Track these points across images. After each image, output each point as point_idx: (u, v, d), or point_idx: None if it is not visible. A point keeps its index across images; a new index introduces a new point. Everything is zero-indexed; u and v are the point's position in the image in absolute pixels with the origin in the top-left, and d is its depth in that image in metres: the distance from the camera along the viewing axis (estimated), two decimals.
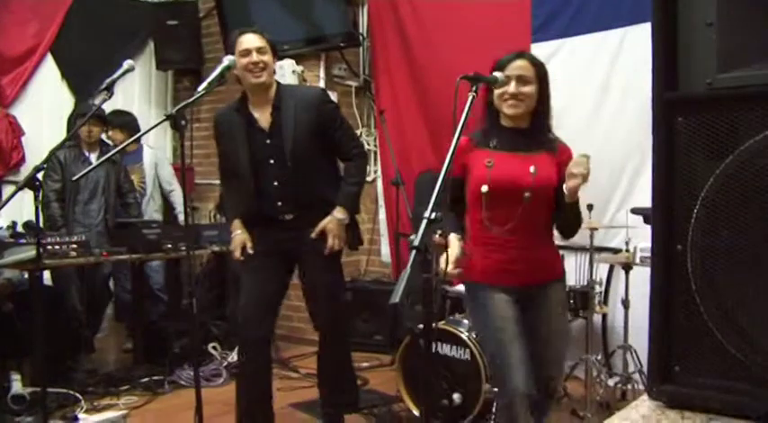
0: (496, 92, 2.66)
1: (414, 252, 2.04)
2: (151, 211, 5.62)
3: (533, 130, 2.70)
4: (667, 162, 1.60)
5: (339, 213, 3.44)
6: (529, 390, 2.54)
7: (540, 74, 2.68)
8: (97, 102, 3.40)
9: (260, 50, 3.32)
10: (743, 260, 1.54)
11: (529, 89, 2.65)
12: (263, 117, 3.43)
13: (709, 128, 1.57)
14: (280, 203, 3.44)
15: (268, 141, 3.41)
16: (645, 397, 1.66)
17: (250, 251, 3.44)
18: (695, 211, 1.58)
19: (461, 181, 2.73)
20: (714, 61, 1.56)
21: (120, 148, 3.55)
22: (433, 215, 2.14)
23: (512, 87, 2.62)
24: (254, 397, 3.50)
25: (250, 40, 3.32)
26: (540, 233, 2.71)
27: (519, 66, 2.65)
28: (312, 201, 3.44)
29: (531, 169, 2.61)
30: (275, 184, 3.42)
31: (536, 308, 2.72)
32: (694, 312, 1.59)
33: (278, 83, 3.50)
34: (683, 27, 1.58)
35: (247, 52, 3.30)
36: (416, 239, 2.04)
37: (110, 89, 3.29)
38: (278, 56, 3.51)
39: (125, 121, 5.52)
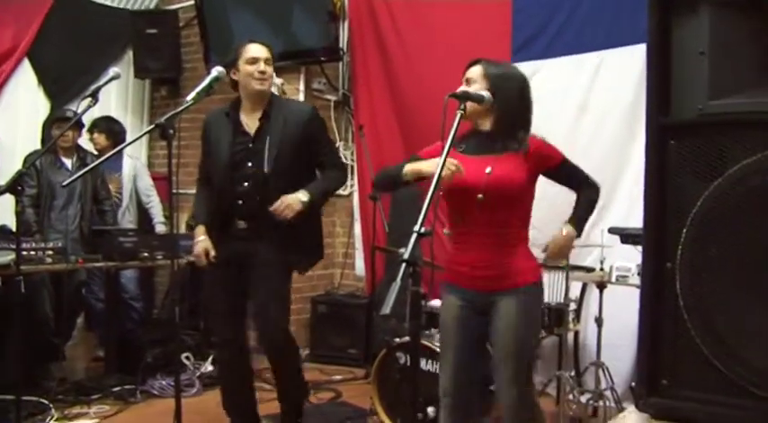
0: None
1: (403, 265, 2.08)
2: (126, 222, 5.56)
3: (497, 132, 2.72)
4: (659, 183, 1.67)
5: (302, 194, 3.43)
6: None
7: (490, 76, 2.71)
8: (81, 108, 3.39)
9: (267, 61, 3.49)
10: (729, 277, 1.61)
11: (471, 89, 2.69)
12: (251, 122, 3.53)
13: (699, 152, 1.65)
14: (240, 202, 3.48)
15: (250, 145, 3.49)
16: (632, 408, 1.71)
17: (212, 259, 3.52)
18: (685, 230, 1.65)
19: None
20: (705, 89, 1.64)
21: (102, 159, 3.57)
22: (423, 229, 2.19)
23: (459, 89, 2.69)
24: (237, 404, 3.68)
25: (260, 50, 3.49)
26: (503, 236, 2.70)
27: (470, 70, 2.75)
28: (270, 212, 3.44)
29: (487, 170, 2.65)
30: (245, 184, 3.47)
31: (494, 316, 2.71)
32: (682, 328, 1.66)
33: (273, 94, 3.65)
34: (677, 55, 1.65)
35: (256, 60, 3.46)
36: (406, 252, 2.09)
37: (95, 96, 3.31)
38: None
39: (112, 129, 5.49)
